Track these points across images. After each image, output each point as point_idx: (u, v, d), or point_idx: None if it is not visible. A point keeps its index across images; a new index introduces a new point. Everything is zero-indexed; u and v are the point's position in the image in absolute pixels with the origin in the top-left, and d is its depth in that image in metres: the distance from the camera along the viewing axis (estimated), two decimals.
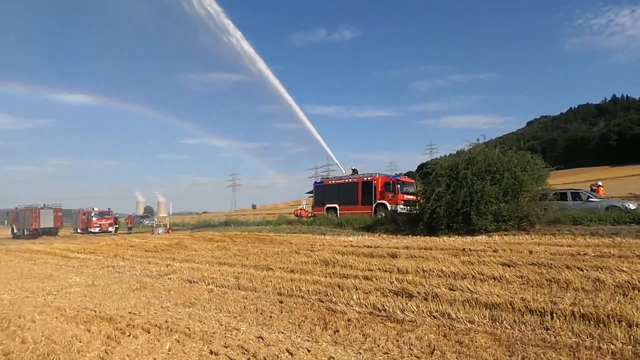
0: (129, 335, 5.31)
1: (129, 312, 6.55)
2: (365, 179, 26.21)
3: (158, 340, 5.06)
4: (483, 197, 15.67)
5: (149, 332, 5.40)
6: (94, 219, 40.38)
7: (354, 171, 29.31)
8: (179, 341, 4.98)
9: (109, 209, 43.06)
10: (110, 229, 39.81)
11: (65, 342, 5.16)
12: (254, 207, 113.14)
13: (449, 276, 7.94)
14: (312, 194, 30.80)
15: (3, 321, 6.39)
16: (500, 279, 7.46)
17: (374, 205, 24.88)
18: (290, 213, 34.75)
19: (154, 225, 37.72)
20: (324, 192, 29.13)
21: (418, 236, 16.54)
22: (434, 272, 8.37)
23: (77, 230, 42.49)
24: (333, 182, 29.61)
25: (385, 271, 8.87)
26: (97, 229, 39.41)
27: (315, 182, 30.87)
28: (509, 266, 8.53)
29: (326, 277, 8.65)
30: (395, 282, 7.50)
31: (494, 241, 13.16)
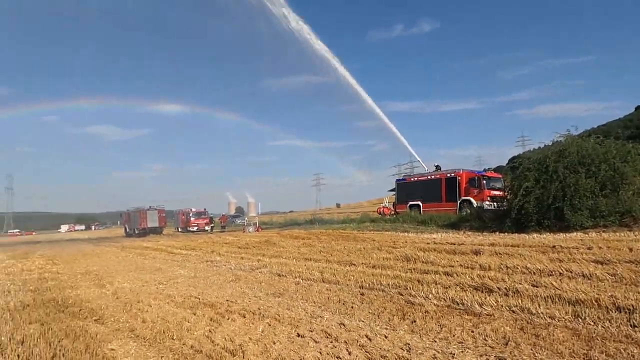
0: (228, 319, 6.05)
1: (227, 300, 7.36)
2: (448, 175, 25.69)
3: (252, 324, 5.72)
4: (577, 191, 14.76)
5: (244, 317, 6.10)
6: (192, 218, 43.90)
7: (437, 167, 28.80)
8: (270, 325, 5.59)
9: (204, 209, 46.54)
10: (206, 227, 42.96)
11: (177, 322, 6.03)
12: (338, 205, 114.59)
13: (533, 273, 7.78)
14: (394, 192, 30.78)
15: (127, 305, 7.52)
16: (590, 276, 7.17)
17: (458, 202, 24.32)
18: (374, 211, 34.96)
19: (245, 224, 40.06)
20: (406, 189, 29.00)
21: (505, 233, 15.99)
22: (517, 269, 8.24)
23: (178, 229, 46.51)
24: (415, 179, 29.35)
25: (467, 267, 8.88)
26: (195, 228, 42.79)
27: (398, 180, 30.81)
28: (602, 264, 8.13)
29: (406, 272, 8.87)
30: (476, 278, 7.54)
31: (589, 238, 12.40)
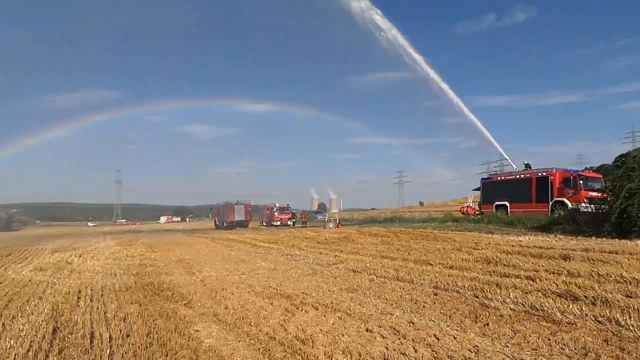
0: (302, 310, 6.34)
1: (302, 292, 7.68)
2: (539, 174, 24.05)
3: (324, 316, 5.95)
4: None
5: (317, 309, 6.35)
6: (275, 213, 45.63)
7: (527, 166, 27.06)
8: (340, 318, 5.78)
9: (287, 205, 48.16)
10: (289, 222, 44.39)
11: (255, 310, 6.46)
12: (421, 204, 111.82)
13: (629, 282, 7.14)
14: (479, 191, 29.48)
15: (212, 292, 8.17)
16: None
17: (550, 203, 22.68)
18: (458, 210, 33.80)
19: (325, 220, 40.73)
20: (492, 188, 27.64)
21: (603, 238, 14.66)
22: (611, 277, 7.60)
23: (262, 223, 48.59)
24: (503, 178, 27.88)
25: (552, 273, 8.36)
26: (278, 223, 44.44)
27: (483, 179, 29.42)
28: None
29: (485, 274, 8.58)
30: (561, 285, 7.10)
31: None
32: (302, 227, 39.70)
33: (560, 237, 16.22)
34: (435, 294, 7.07)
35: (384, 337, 4.85)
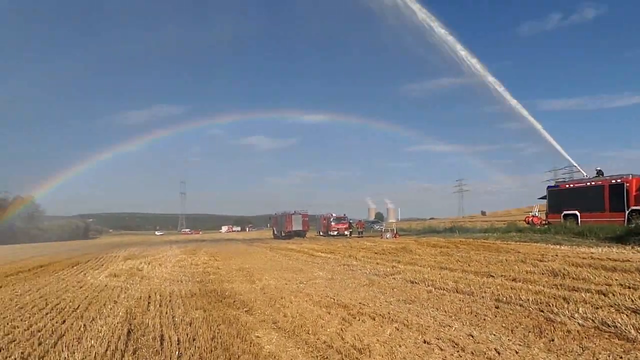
0: (359, 320, 6.40)
1: (359, 302, 7.73)
2: (614, 181, 22.47)
3: (381, 326, 5.97)
4: None
5: (374, 319, 6.38)
6: (332, 223, 45.77)
7: (599, 172, 25.35)
8: (397, 329, 5.77)
9: (344, 214, 48.19)
10: (345, 232, 44.36)
11: (313, 318, 6.59)
12: (483, 213, 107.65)
13: None
14: (545, 200, 27.99)
15: (271, 300, 8.42)
16: None
17: (626, 212, 21.10)
18: (522, 220, 32.28)
19: (383, 230, 40.35)
20: (560, 197, 26.15)
21: None
22: None
23: (319, 232, 48.94)
24: (572, 185, 26.29)
25: (628, 287, 7.82)
26: (335, 232, 44.54)
27: (550, 187, 27.89)
28: None
29: (551, 288, 8.18)
30: (637, 300, 6.64)
31: None
32: (358, 237, 39.57)
33: (638, 249, 15.07)
34: (497, 307, 6.84)
35: (442, 350, 4.80)
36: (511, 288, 8.28)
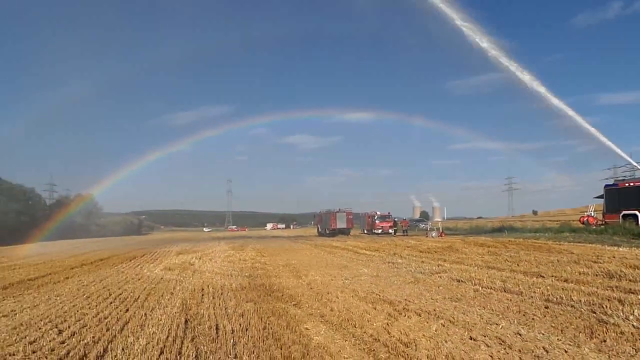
0: (404, 316, 6.51)
1: (405, 299, 7.82)
2: None
3: (427, 322, 6.06)
4: None
5: (419, 316, 6.47)
6: (376, 221, 45.65)
7: None
8: (443, 325, 5.84)
9: (389, 212, 47.92)
10: (390, 230, 44.11)
11: (359, 313, 6.77)
12: (534, 212, 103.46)
13: None
14: (602, 199, 26.69)
15: (318, 294, 8.67)
16: None
17: None
18: (576, 220, 30.95)
19: (428, 229, 39.82)
20: (619, 196, 24.88)
21: None
22: None
23: (364, 231, 48.93)
24: (632, 184, 24.94)
25: None
26: (379, 231, 44.40)
27: (607, 185, 26.57)
28: None
29: (606, 290, 7.92)
30: None
31: None
32: (403, 235, 39.26)
33: None
34: (546, 307, 6.74)
35: (488, 346, 4.84)
36: (562, 289, 8.09)
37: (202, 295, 9.14)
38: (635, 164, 27.15)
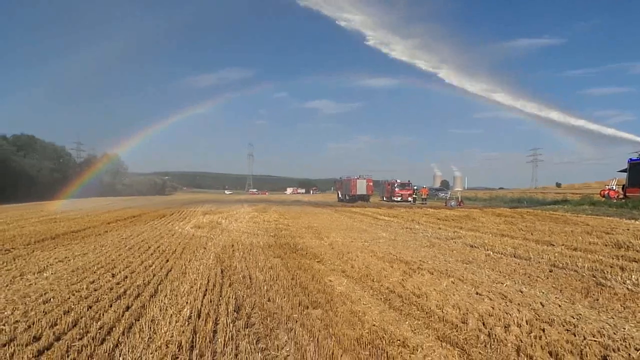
0: (418, 273, 7.17)
1: (419, 260, 8.48)
2: None
3: (438, 280, 6.71)
4: None
5: (432, 274, 7.13)
6: (396, 189, 46.07)
7: None
8: (453, 282, 6.49)
9: (408, 181, 48.19)
10: (409, 198, 44.53)
11: (377, 270, 7.47)
12: (558, 185, 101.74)
13: None
14: (626, 173, 26.53)
15: (339, 253, 9.40)
16: None
17: None
18: (597, 194, 30.85)
19: (447, 198, 40.16)
20: None
21: None
22: None
23: (383, 198, 49.49)
24: None
25: None
26: (398, 198, 44.87)
27: (631, 159, 26.33)
28: None
29: (612, 258, 8.40)
30: None
31: None
32: (422, 203, 39.72)
33: None
34: (551, 271, 7.31)
35: (491, 300, 5.48)
36: (569, 256, 8.61)
37: (233, 250, 9.97)
38: None
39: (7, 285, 6.54)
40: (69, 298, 5.76)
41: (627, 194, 25.08)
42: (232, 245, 10.71)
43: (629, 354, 3.75)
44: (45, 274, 7.34)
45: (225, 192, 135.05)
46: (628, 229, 13.41)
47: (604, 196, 27.38)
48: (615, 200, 25.06)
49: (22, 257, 9.07)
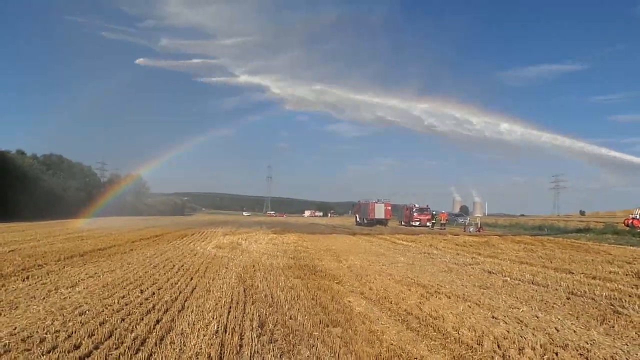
0: (435, 297, 7.34)
1: (437, 284, 8.63)
2: None
3: (455, 303, 6.87)
4: None
5: (449, 298, 7.28)
6: (415, 214, 45.92)
7: None
8: (469, 306, 6.64)
9: (427, 205, 48.03)
10: (428, 223, 44.30)
11: (395, 293, 7.65)
12: (582, 213, 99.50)
13: None
14: None
15: (357, 276, 9.60)
16: None
17: None
18: (621, 222, 30.28)
19: (467, 224, 39.86)
20: None
21: None
22: None
23: (401, 222, 49.34)
24: None
25: None
26: (417, 223, 44.67)
27: None
28: None
29: (631, 287, 8.42)
30: None
31: None
32: (441, 229, 39.48)
33: None
34: (568, 298, 7.38)
35: (507, 324, 5.63)
36: (588, 284, 8.65)
37: (254, 270, 10.25)
38: None
39: (44, 298, 6.94)
40: (103, 311, 6.11)
41: None
42: (253, 266, 11.00)
43: None
44: (77, 289, 7.74)
45: (244, 213, 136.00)
46: None
47: (628, 225, 26.92)
48: (639, 230, 24.61)
49: (54, 273, 9.52)
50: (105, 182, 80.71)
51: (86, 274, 9.31)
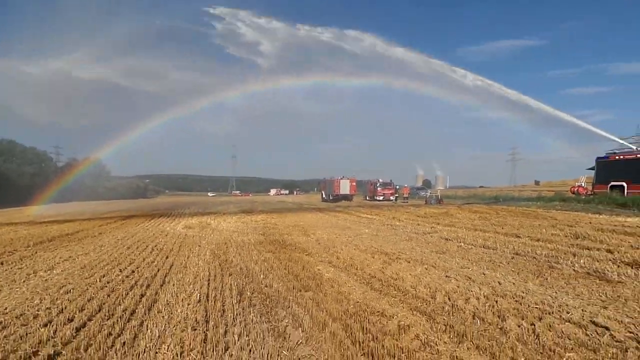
0: (396, 262, 8.09)
1: (398, 251, 9.40)
2: None
3: (413, 267, 7.63)
4: None
5: (409, 262, 8.05)
6: (378, 188, 47.22)
7: None
8: (426, 269, 7.41)
9: (390, 180, 49.41)
10: (391, 197, 45.74)
11: (360, 260, 8.35)
12: (536, 182, 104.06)
13: None
14: (593, 170, 28.05)
15: (325, 247, 10.26)
16: None
17: None
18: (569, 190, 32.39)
19: (428, 196, 41.44)
20: (608, 168, 26.21)
21: None
22: None
23: (366, 197, 50.62)
24: (622, 157, 26.21)
25: (637, 248, 8.97)
26: (381, 197, 46.02)
27: (598, 158, 27.84)
28: None
29: (568, 247, 9.45)
30: (637, 257, 7.86)
31: None
32: (404, 202, 40.89)
33: None
34: (512, 258, 8.31)
35: (457, 280, 6.41)
36: (531, 246, 9.65)
37: (227, 247, 10.73)
38: (627, 143, 28.31)
39: (24, 281, 7.20)
40: (87, 289, 6.47)
41: (595, 191, 26.56)
42: (225, 243, 11.46)
43: (560, 316, 4.70)
44: (56, 271, 7.99)
45: (209, 194, 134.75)
46: (590, 222, 14.59)
47: (573, 193, 28.84)
48: (584, 197, 26.52)
49: (28, 258, 9.66)
50: (63, 166, 77.94)
51: (60, 258, 9.51)
